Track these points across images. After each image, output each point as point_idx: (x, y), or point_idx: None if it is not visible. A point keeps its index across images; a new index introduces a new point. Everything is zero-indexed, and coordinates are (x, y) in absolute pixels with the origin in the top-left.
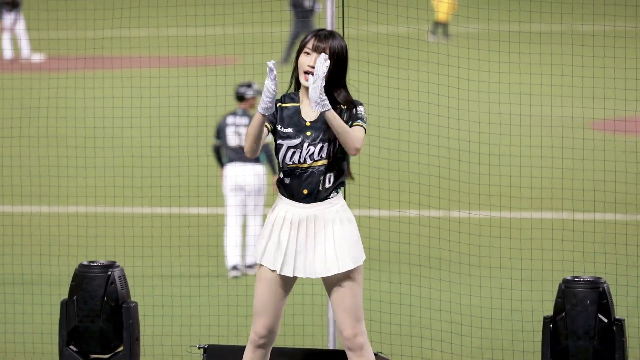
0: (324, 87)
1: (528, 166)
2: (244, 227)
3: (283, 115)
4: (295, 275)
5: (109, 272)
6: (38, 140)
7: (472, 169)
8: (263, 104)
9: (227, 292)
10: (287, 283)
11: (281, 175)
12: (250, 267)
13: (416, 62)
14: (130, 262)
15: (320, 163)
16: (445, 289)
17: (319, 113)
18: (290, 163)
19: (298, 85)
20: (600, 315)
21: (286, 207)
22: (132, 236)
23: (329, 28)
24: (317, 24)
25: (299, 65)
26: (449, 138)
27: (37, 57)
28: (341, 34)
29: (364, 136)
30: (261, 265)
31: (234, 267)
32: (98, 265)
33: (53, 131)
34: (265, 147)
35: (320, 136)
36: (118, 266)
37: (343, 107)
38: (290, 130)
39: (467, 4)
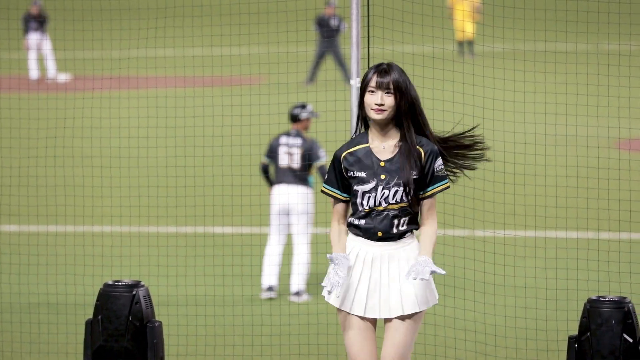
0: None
1: (553, 185)
2: (288, 247)
3: (352, 161)
4: (367, 316)
5: (134, 292)
6: (64, 160)
7: (497, 188)
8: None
9: (252, 312)
10: (371, 324)
11: (354, 220)
12: (297, 294)
13: (441, 81)
14: (155, 281)
15: (396, 207)
16: (470, 308)
17: (395, 152)
18: (367, 208)
19: (365, 125)
20: (625, 335)
21: (359, 245)
22: (157, 256)
23: (354, 47)
24: (342, 44)
25: (365, 105)
26: None
27: (63, 77)
28: (366, 54)
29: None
30: (340, 310)
31: (269, 288)
32: (123, 285)
33: (78, 151)
34: (321, 169)
35: (395, 180)
36: (143, 286)
37: (420, 152)
38: (364, 174)
39: (493, 24)
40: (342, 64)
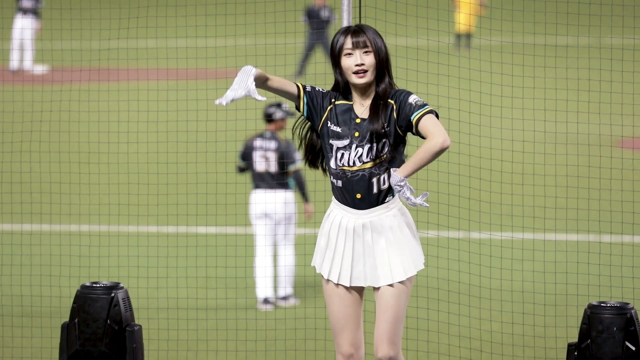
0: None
1: (553, 185)
2: (275, 256)
3: (336, 112)
4: (353, 284)
5: (113, 294)
6: (40, 156)
7: (494, 188)
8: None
9: (236, 316)
10: (357, 293)
11: (332, 178)
12: (284, 298)
13: (436, 76)
14: (134, 283)
15: (369, 165)
16: (465, 313)
17: (369, 110)
18: (341, 165)
19: (346, 87)
20: (627, 343)
21: (341, 213)
22: (137, 256)
23: None
24: (332, 35)
25: (344, 70)
26: (470, 156)
27: (40, 69)
28: None
29: (437, 121)
30: (325, 279)
31: (266, 300)
32: (101, 287)
33: (55, 146)
34: (295, 173)
35: (367, 137)
36: (122, 287)
37: (391, 103)
38: (340, 129)
39: (490, 16)
40: None
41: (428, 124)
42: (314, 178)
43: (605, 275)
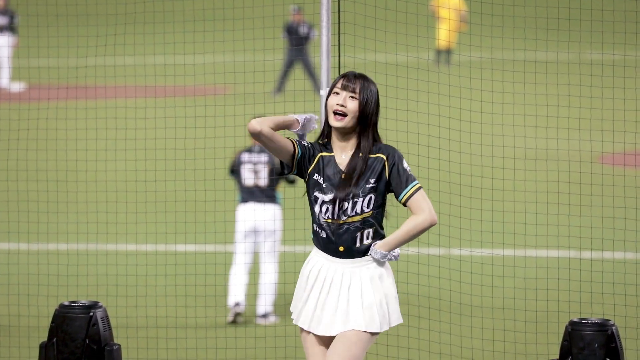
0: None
1: (533, 202)
2: (255, 274)
3: (323, 165)
4: (319, 333)
5: (91, 313)
6: (17, 174)
7: (474, 204)
8: (302, 116)
9: (216, 335)
10: (331, 340)
11: (315, 227)
12: (264, 316)
13: (416, 92)
14: (113, 302)
15: (355, 219)
16: (446, 330)
17: (348, 167)
18: (326, 218)
19: (328, 133)
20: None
21: (322, 261)
22: (115, 275)
23: (324, 56)
24: (312, 52)
25: (328, 107)
26: (450, 172)
27: (17, 87)
28: (337, 63)
29: (426, 195)
30: (301, 329)
31: (237, 304)
32: (79, 306)
33: (33, 164)
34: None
35: (353, 192)
36: (101, 306)
37: (382, 158)
38: (324, 184)
39: (470, 32)
40: (311, 74)
41: (419, 199)
42: (294, 195)
43: (586, 291)
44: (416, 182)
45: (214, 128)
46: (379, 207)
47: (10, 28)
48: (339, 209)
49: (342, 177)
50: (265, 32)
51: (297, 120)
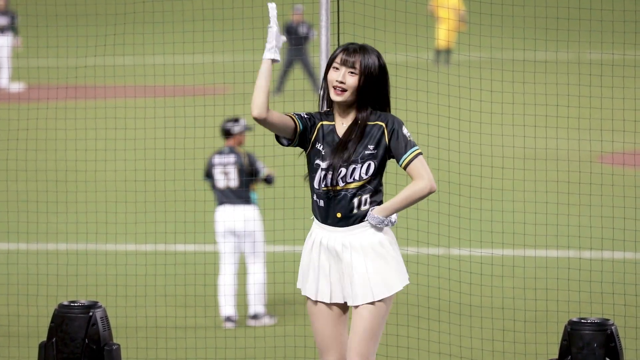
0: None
1: (532, 201)
2: (242, 275)
3: (323, 133)
4: (333, 301)
5: (91, 313)
6: (16, 174)
7: (474, 204)
8: (268, 46)
9: (215, 334)
10: (342, 310)
11: (314, 197)
12: (254, 317)
13: (415, 91)
14: (113, 302)
15: (353, 185)
16: (445, 330)
17: (345, 134)
18: (324, 186)
19: (329, 101)
20: (608, 359)
21: (322, 232)
22: (115, 275)
23: (323, 56)
24: (311, 52)
25: (327, 81)
26: (449, 172)
27: (16, 87)
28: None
29: (425, 163)
30: (308, 298)
31: (228, 319)
32: (79, 306)
33: (32, 164)
34: (268, 177)
35: (352, 157)
36: (100, 306)
37: (380, 126)
38: (324, 150)
39: (469, 32)
40: (311, 73)
41: (419, 166)
42: (283, 195)
43: (585, 291)
44: (416, 147)
45: (213, 128)
46: (378, 174)
47: (12, 28)
48: (337, 175)
49: (337, 143)
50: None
51: (269, 59)
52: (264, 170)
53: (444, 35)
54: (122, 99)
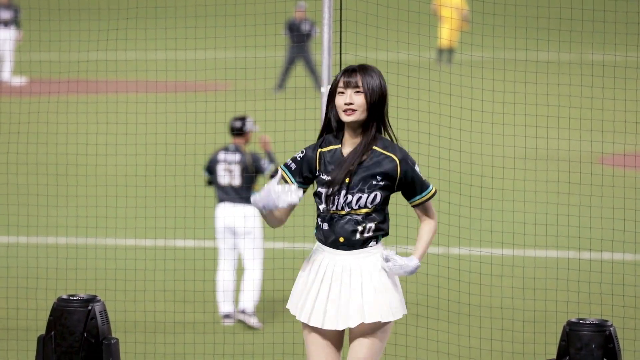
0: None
1: (533, 202)
2: (239, 270)
3: (325, 160)
4: (325, 327)
5: (90, 307)
6: (17, 167)
7: (474, 203)
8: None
9: (214, 330)
10: (335, 336)
11: (318, 220)
12: (243, 312)
13: (417, 90)
14: (112, 296)
15: (358, 212)
16: (444, 329)
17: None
18: (330, 209)
19: (339, 126)
20: None
21: (322, 254)
22: (114, 269)
23: (325, 54)
24: (313, 49)
25: (336, 107)
26: (450, 171)
27: (18, 80)
28: (338, 60)
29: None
30: (304, 324)
31: (227, 316)
32: (78, 299)
33: (33, 158)
34: (276, 172)
35: (359, 185)
36: (99, 300)
37: (393, 159)
38: (330, 178)
39: (472, 31)
40: (313, 71)
41: (431, 206)
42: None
43: (584, 292)
44: (430, 188)
45: (214, 124)
46: (383, 204)
47: (15, 22)
48: (343, 201)
49: (339, 160)
50: (267, 29)
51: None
52: (269, 167)
53: (446, 34)
54: (123, 94)
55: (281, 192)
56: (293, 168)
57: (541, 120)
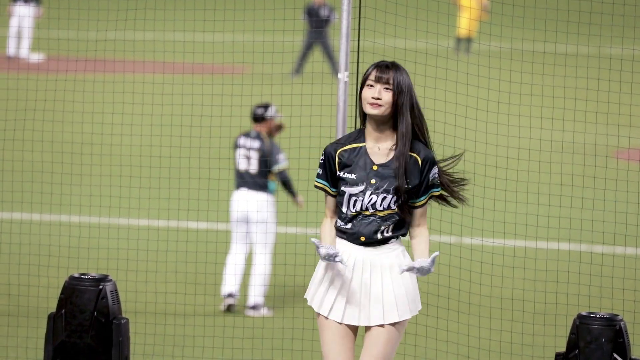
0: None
1: (546, 194)
2: (249, 256)
3: (346, 161)
4: (345, 322)
5: (101, 286)
6: (32, 145)
7: (487, 193)
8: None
9: (224, 313)
10: (351, 329)
11: (339, 222)
12: (254, 308)
13: (434, 79)
14: (123, 276)
15: (381, 213)
16: (454, 318)
17: (389, 157)
18: (353, 211)
19: (363, 119)
20: (615, 355)
21: (343, 248)
22: (126, 249)
23: (343, 39)
24: (331, 35)
25: (362, 99)
26: (465, 161)
27: (36, 57)
28: (356, 47)
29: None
30: (318, 313)
31: (229, 295)
32: (89, 278)
33: (48, 135)
34: (281, 173)
35: (385, 186)
36: (110, 280)
37: (416, 159)
38: (354, 176)
39: (491, 22)
40: (330, 57)
41: (425, 211)
42: (297, 177)
43: (595, 285)
44: (435, 189)
45: (230, 107)
46: (406, 204)
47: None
48: (368, 202)
49: (374, 168)
50: (285, 13)
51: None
52: (282, 163)
53: (465, 23)
54: (140, 74)
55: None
56: (322, 175)
57: (557, 113)
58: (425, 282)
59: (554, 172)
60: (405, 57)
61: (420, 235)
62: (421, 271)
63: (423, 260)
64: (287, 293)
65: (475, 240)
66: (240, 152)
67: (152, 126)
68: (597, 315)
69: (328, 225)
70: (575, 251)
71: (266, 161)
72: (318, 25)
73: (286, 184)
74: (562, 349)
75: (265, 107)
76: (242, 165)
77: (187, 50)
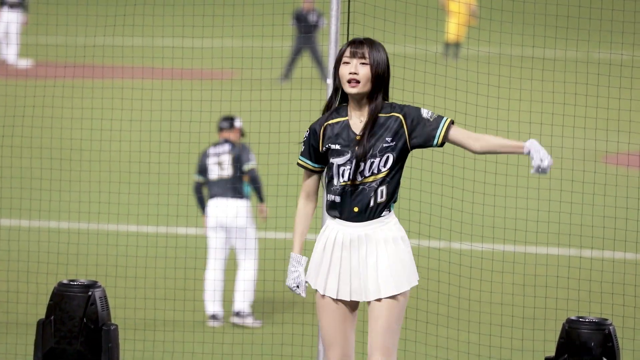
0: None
1: (535, 199)
2: (230, 271)
3: (332, 134)
4: (353, 299)
5: (90, 292)
6: (20, 151)
7: (476, 198)
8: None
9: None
10: (350, 307)
11: (330, 196)
12: (237, 314)
13: (423, 84)
14: (112, 282)
15: (371, 179)
16: (443, 323)
17: (370, 125)
18: (342, 181)
19: (343, 98)
20: (604, 359)
21: (336, 227)
22: (115, 255)
23: (332, 45)
24: (320, 40)
25: (340, 77)
26: (454, 166)
27: (24, 63)
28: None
29: (459, 128)
30: (317, 291)
31: (213, 317)
32: (78, 285)
33: (37, 142)
34: (251, 172)
35: (370, 152)
36: (100, 286)
37: (397, 117)
38: (339, 147)
39: (479, 27)
40: (319, 62)
41: (462, 132)
42: (287, 182)
43: (584, 290)
44: (445, 118)
45: (219, 112)
46: (396, 166)
47: (22, 5)
48: (356, 169)
49: (357, 138)
50: (274, 19)
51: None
52: (253, 163)
53: (454, 29)
54: (129, 80)
55: (292, 280)
56: (305, 151)
57: (546, 118)
58: (414, 287)
59: (542, 177)
60: (394, 62)
61: (483, 138)
62: (543, 159)
63: (536, 148)
64: (276, 298)
65: (465, 245)
66: (211, 161)
67: (142, 132)
68: (587, 320)
69: (302, 211)
70: (564, 256)
71: (237, 161)
72: (307, 31)
73: (255, 182)
74: (552, 353)
75: (231, 119)
76: (214, 173)
77: (176, 56)
